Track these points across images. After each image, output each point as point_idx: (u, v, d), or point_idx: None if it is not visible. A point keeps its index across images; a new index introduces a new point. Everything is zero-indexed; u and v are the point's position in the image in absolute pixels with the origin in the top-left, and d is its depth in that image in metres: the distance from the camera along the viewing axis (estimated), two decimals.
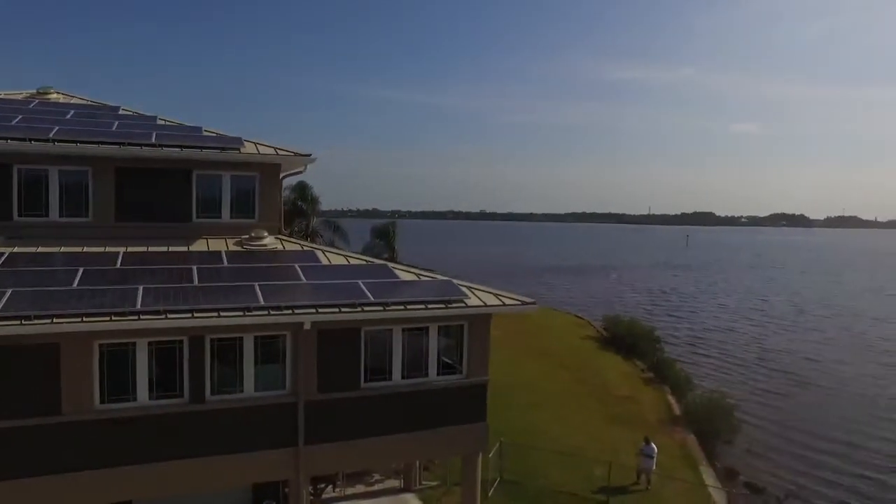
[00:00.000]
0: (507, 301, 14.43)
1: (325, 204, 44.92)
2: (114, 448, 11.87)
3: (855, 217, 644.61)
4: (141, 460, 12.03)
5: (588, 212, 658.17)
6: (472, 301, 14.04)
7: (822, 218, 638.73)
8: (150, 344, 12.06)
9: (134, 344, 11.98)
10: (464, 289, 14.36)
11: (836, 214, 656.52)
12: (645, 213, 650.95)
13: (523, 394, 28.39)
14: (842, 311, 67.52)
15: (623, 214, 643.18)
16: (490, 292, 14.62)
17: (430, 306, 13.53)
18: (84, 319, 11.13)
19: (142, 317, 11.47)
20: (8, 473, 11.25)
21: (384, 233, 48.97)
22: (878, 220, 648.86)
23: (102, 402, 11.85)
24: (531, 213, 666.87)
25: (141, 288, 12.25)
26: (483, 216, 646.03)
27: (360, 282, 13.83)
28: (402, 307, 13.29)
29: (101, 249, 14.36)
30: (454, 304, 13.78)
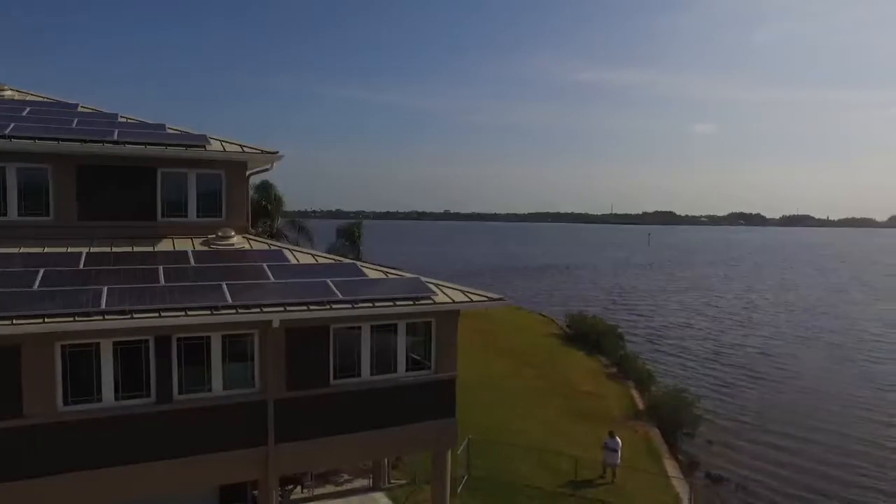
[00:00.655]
0: (475, 298, 14.58)
1: (289, 204, 44.54)
2: (78, 451, 11.66)
3: (809, 216, 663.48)
4: (106, 463, 11.84)
5: (551, 211, 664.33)
6: (440, 298, 14.16)
7: (777, 217, 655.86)
8: (115, 344, 11.88)
9: (98, 344, 11.79)
10: (431, 286, 14.47)
11: (791, 213, 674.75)
12: (608, 212, 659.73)
13: (489, 391, 28.63)
14: (793, 307, 69.52)
15: (586, 214, 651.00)
16: (457, 289, 14.76)
17: (398, 303, 13.62)
18: (46, 320, 10.92)
19: (106, 317, 11.30)
20: None
21: (349, 233, 48.74)
22: (831, 218, 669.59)
23: (66, 403, 11.64)
24: (495, 213, 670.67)
25: (105, 288, 12.07)
26: (447, 216, 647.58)
27: (328, 280, 13.84)
28: (370, 304, 13.34)
29: (63, 249, 14.07)
30: (422, 301, 13.88)
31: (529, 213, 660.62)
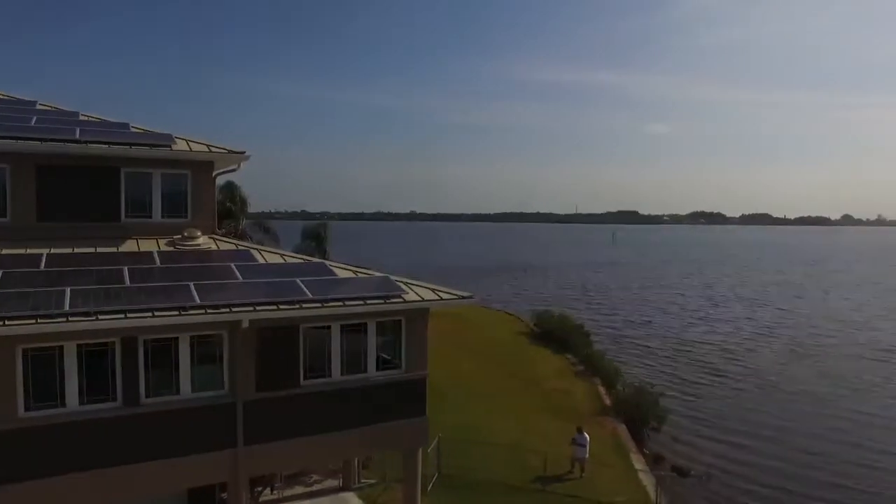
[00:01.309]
0: (444, 295, 14.65)
1: (253, 205, 44.05)
2: (41, 458, 11.39)
3: (767, 215, 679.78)
4: (70, 469, 11.59)
5: (516, 211, 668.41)
6: (410, 296, 14.20)
7: (737, 216, 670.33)
8: (79, 347, 11.64)
9: (62, 347, 11.54)
10: (401, 284, 14.50)
11: (751, 212, 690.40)
12: (572, 212, 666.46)
13: (458, 390, 28.69)
14: (749, 303, 71.19)
15: (552, 214, 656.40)
16: (427, 287, 14.81)
17: (368, 302, 13.62)
18: (6, 323, 10.66)
19: (70, 319, 11.07)
20: None
21: (315, 234, 48.33)
22: (788, 217, 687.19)
23: (28, 409, 11.36)
24: (461, 214, 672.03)
25: (68, 289, 11.82)
26: (413, 216, 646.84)
27: (297, 279, 13.76)
28: (340, 303, 13.31)
29: (22, 251, 13.73)
30: (392, 300, 13.90)
31: (496, 213, 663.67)
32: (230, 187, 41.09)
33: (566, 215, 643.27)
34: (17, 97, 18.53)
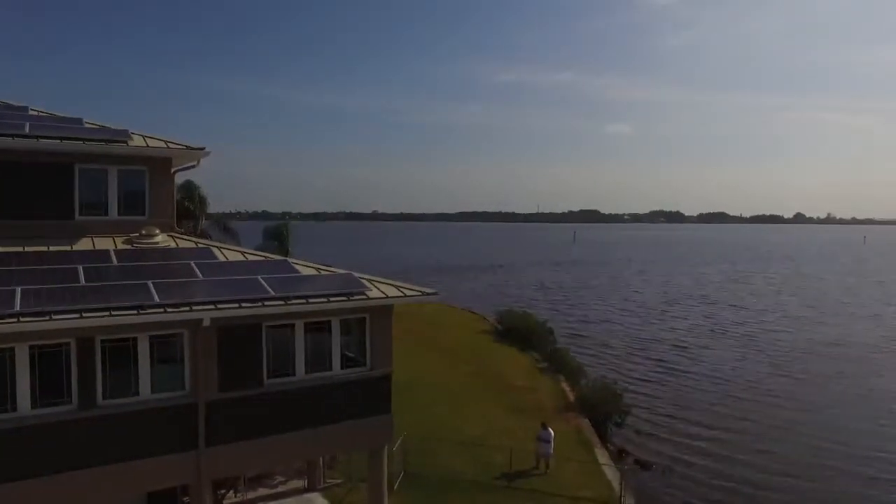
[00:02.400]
0: (408, 292, 14.56)
1: (213, 206, 43.29)
2: None
3: (724, 213, 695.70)
4: (23, 475, 11.16)
5: (479, 211, 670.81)
6: (374, 293, 14.07)
7: (695, 214, 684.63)
8: (31, 348, 11.23)
9: (12, 349, 11.12)
10: (364, 281, 14.36)
11: (708, 211, 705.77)
12: (534, 211, 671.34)
13: (422, 389, 28.64)
14: (704, 301, 72.68)
15: (513, 213, 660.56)
16: (391, 284, 14.70)
17: (332, 299, 13.44)
18: None
19: (21, 319, 10.67)
20: None
21: (277, 234, 47.72)
22: (744, 215, 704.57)
23: None
24: (423, 213, 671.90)
25: (19, 289, 11.40)
26: (375, 217, 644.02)
27: (259, 277, 13.54)
28: (303, 301, 13.12)
29: None
30: (356, 297, 13.76)
31: (458, 213, 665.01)
32: (189, 186, 40.30)
33: (528, 214, 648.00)
34: None
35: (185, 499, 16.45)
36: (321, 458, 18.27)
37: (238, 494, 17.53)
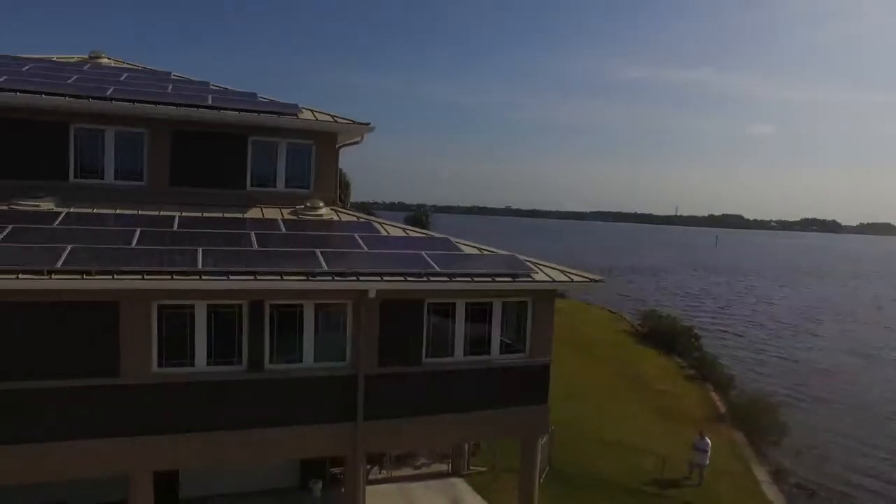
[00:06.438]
0: (575, 277, 13.77)
1: (353, 195, 44.74)
2: (171, 413, 11.42)
3: (889, 224, 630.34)
4: (194, 428, 11.57)
5: (613, 210, 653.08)
6: (539, 276, 13.41)
7: (854, 224, 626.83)
8: (209, 307, 11.60)
9: (192, 306, 11.54)
10: (529, 264, 13.74)
11: (870, 221, 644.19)
12: (672, 213, 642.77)
13: (561, 385, 27.51)
14: (863, 319, 65.53)
15: (649, 214, 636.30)
16: (556, 268, 13.97)
17: (496, 279, 12.94)
18: (145, 277, 10.69)
19: (203, 277, 11.01)
20: (62, 433, 10.86)
21: (418, 221, 48.60)
22: None
23: (160, 366, 11.43)
24: (554, 211, 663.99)
25: (200, 249, 11.79)
26: (509, 212, 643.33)
27: (423, 253, 13.27)
28: (468, 279, 12.69)
29: (156, 212, 13.96)
30: (521, 278, 13.16)
31: (591, 212, 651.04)
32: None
33: (666, 217, 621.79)
34: (153, 69, 19.09)
35: (332, 469, 16.69)
36: (467, 445, 17.91)
37: (382, 471, 17.56)
